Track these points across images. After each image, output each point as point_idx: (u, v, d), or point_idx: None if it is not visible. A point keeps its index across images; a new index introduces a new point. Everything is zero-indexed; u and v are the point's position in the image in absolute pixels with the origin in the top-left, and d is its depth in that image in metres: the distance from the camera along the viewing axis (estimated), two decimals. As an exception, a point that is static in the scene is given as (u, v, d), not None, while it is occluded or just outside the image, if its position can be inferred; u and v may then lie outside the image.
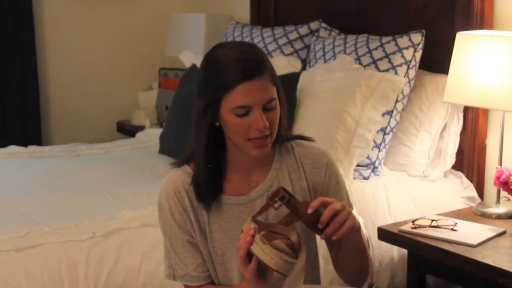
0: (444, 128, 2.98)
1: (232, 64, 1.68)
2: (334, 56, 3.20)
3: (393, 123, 2.96)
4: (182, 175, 1.81)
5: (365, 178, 2.89)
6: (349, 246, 1.77)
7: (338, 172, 1.88)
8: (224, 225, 1.79)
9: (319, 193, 1.83)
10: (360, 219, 2.57)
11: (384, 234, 2.50)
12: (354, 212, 1.89)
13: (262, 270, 1.63)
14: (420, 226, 2.48)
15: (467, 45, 2.62)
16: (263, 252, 1.59)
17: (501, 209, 2.65)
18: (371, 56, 3.04)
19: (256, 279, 1.63)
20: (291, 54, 3.48)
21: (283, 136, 1.81)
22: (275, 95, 1.72)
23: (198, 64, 3.54)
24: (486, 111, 2.91)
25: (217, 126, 1.74)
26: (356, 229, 1.71)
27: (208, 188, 1.77)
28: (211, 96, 1.71)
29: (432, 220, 2.50)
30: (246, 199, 1.80)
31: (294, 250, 1.62)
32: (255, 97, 1.67)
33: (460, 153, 2.98)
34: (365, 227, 2.61)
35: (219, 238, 1.79)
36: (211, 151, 1.76)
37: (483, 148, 2.93)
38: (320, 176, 1.84)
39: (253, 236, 1.60)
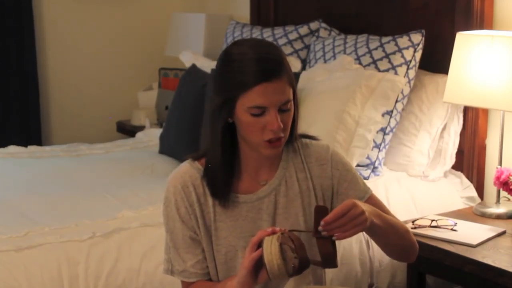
0: (444, 128, 2.98)
1: (251, 63, 1.68)
2: (334, 56, 3.20)
3: (393, 123, 2.96)
4: (191, 170, 1.80)
5: (365, 178, 2.88)
6: (375, 237, 1.80)
7: (345, 160, 1.88)
8: (230, 223, 1.79)
9: (329, 189, 1.84)
10: None
11: (384, 234, 2.50)
12: (372, 194, 1.88)
13: (259, 267, 1.63)
14: (420, 226, 2.48)
15: (467, 45, 2.62)
16: (270, 246, 1.59)
17: (501, 209, 2.65)
18: (371, 56, 3.04)
19: (250, 270, 1.63)
20: (291, 54, 3.48)
21: (296, 137, 1.83)
22: (291, 97, 1.72)
23: (198, 64, 3.59)
24: (486, 111, 2.91)
25: (230, 123, 1.75)
26: (368, 226, 1.69)
27: (225, 184, 1.77)
28: (228, 93, 1.71)
29: (432, 220, 2.50)
30: (254, 197, 1.80)
31: (294, 270, 1.60)
32: (272, 98, 1.68)
33: (460, 153, 2.98)
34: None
35: (224, 236, 1.79)
36: (226, 149, 1.77)
37: (483, 148, 2.93)
38: (326, 172, 1.84)
39: (275, 233, 1.62)
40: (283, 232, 1.62)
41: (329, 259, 1.64)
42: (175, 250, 1.81)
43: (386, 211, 1.86)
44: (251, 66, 1.68)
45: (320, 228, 1.63)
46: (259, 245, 1.63)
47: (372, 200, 1.86)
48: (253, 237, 1.65)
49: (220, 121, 1.74)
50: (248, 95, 1.68)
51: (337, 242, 2.54)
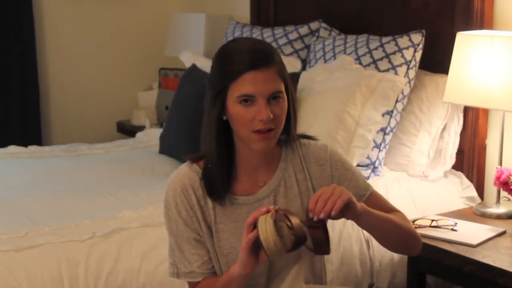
0: (444, 128, 2.98)
1: (240, 54, 1.70)
2: (334, 56, 3.20)
3: (393, 123, 2.96)
4: (190, 173, 1.80)
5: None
6: (371, 228, 1.78)
7: (343, 159, 1.88)
8: (231, 224, 1.79)
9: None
10: None
11: (384, 234, 2.49)
12: (373, 191, 1.87)
13: (258, 247, 1.64)
14: (420, 226, 2.48)
15: (467, 45, 2.62)
16: (264, 224, 1.60)
17: (501, 209, 2.65)
18: (371, 56, 3.04)
19: (248, 252, 1.64)
20: (291, 54, 3.48)
21: (293, 136, 1.82)
22: (282, 89, 1.72)
23: (198, 64, 3.59)
24: (486, 111, 2.91)
25: (226, 122, 1.75)
26: (353, 205, 1.68)
27: (222, 183, 1.77)
28: (219, 85, 1.72)
29: (432, 220, 2.50)
30: (253, 199, 1.80)
31: (291, 245, 1.61)
32: (259, 87, 1.68)
33: (460, 153, 2.98)
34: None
35: (225, 238, 1.79)
36: (222, 146, 1.76)
37: (483, 148, 2.93)
38: (326, 172, 1.84)
39: (269, 211, 1.62)
40: (277, 210, 1.63)
41: (321, 245, 1.64)
42: (180, 253, 1.80)
43: (388, 206, 1.87)
44: (241, 56, 1.69)
45: (310, 214, 1.64)
46: (255, 225, 1.63)
47: (374, 197, 1.86)
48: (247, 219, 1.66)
49: (214, 115, 1.74)
50: (236, 84, 1.69)
51: (337, 241, 2.57)
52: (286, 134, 1.81)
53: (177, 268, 1.82)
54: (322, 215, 1.63)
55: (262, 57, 1.70)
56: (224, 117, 1.74)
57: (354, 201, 1.68)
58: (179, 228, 1.79)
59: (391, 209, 1.87)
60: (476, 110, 2.90)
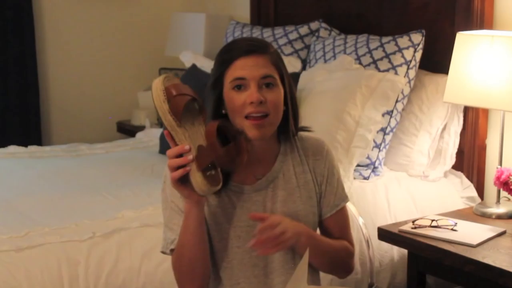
0: (444, 128, 2.98)
1: (237, 44, 1.79)
2: (334, 56, 3.20)
3: (393, 123, 2.96)
4: None
5: (365, 178, 2.88)
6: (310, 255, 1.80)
7: (335, 163, 1.92)
8: (227, 211, 1.82)
9: (318, 186, 1.88)
10: (360, 220, 2.58)
11: (384, 234, 2.50)
12: (349, 204, 1.92)
13: (186, 179, 1.69)
14: (420, 226, 2.48)
15: (467, 45, 2.62)
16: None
17: (501, 209, 2.65)
18: (371, 56, 3.04)
19: (178, 185, 1.70)
20: (291, 54, 3.48)
21: (293, 131, 1.85)
22: (274, 76, 1.77)
23: (198, 64, 3.59)
24: (486, 111, 2.91)
25: (225, 116, 1.79)
26: (295, 245, 1.76)
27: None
28: (216, 73, 1.80)
29: (432, 220, 2.50)
30: (250, 189, 1.83)
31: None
32: (251, 71, 1.75)
33: (460, 153, 2.98)
34: (365, 227, 2.62)
35: (220, 222, 1.82)
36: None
37: (483, 148, 2.93)
38: (320, 167, 1.89)
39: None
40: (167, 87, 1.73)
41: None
42: (170, 222, 1.83)
43: (344, 231, 1.92)
44: (237, 45, 1.79)
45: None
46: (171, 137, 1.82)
47: (341, 213, 1.91)
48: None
49: (211, 103, 1.79)
50: (230, 70, 1.77)
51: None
52: (285, 129, 1.83)
53: (165, 241, 1.84)
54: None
55: (256, 44, 1.78)
56: (223, 111, 1.79)
57: (297, 245, 1.76)
58: (173, 200, 1.83)
59: (344, 236, 1.91)
60: (476, 110, 2.90)
